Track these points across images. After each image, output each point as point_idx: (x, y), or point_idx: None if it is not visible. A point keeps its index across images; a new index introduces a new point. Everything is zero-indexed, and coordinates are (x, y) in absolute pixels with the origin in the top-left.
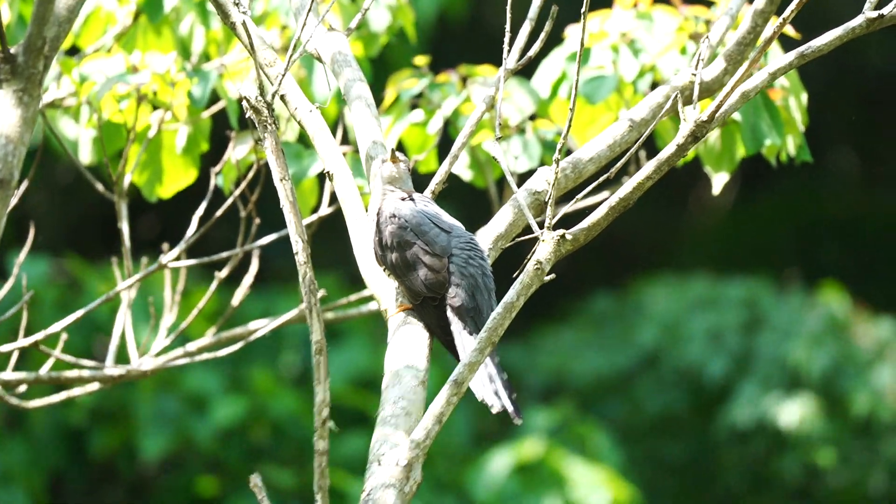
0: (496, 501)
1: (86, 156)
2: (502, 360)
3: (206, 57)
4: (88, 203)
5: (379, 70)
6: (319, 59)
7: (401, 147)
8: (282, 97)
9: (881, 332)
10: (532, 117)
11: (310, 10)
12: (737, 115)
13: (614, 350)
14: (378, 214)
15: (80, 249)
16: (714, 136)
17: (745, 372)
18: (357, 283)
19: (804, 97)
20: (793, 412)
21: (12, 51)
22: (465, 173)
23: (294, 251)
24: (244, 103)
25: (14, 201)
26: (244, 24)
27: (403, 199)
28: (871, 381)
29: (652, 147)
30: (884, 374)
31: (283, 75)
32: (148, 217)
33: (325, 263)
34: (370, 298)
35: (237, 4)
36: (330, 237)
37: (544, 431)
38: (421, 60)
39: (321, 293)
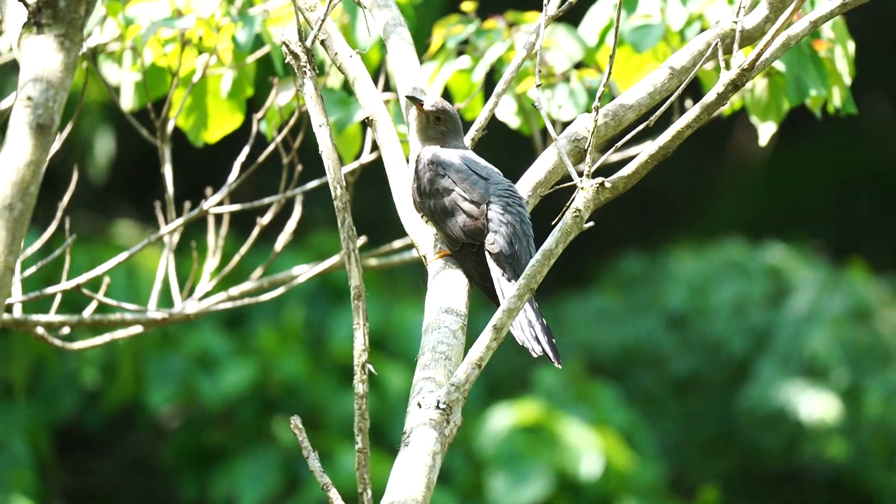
0: (495, 460)
1: (128, 101)
2: None
3: (250, 3)
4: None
5: (424, 18)
6: (359, 4)
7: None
8: (322, 42)
9: None
10: (578, 66)
11: None
12: (781, 66)
13: (641, 315)
14: (417, 161)
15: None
16: (761, 86)
17: (765, 351)
18: (397, 230)
19: (851, 47)
20: (812, 405)
21: None
22: (512, 120)
23: (333, 197)
24: (284, 48)
25: (56, 147)
26: None
27: (442, 147)
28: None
29: (696, 95)
30: None
31: (323, 20)
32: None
33: (365, 210)
34: (410, 245)
35: None
36: (371, 184)
37: (550, 390)
38: (468, 6)
39: (361, 240)
